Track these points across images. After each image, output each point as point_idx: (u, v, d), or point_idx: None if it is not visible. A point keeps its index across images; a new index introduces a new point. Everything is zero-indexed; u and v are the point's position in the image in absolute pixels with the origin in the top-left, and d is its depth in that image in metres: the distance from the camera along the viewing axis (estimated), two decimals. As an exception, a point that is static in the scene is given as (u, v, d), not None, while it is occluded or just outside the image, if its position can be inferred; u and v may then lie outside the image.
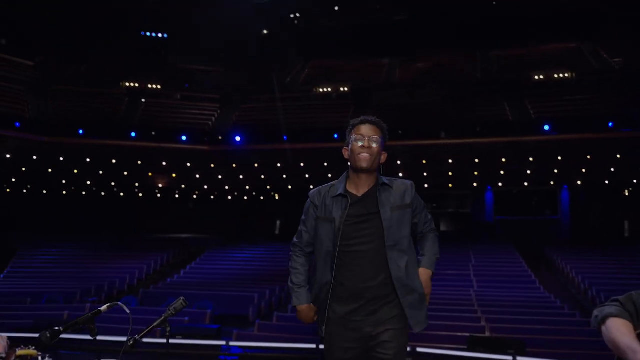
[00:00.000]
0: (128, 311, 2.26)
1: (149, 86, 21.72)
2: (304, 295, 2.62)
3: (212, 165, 19.38)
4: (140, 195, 24.23)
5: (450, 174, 19.79)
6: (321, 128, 17.82)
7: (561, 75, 19.76)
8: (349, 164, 2.61)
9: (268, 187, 23.41)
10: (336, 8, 24.89)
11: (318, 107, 20.80)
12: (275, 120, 18.89)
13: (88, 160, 18.26)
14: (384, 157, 2.62)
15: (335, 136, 16.55)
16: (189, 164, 19.18)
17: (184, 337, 6.18)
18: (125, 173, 20.36)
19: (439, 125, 17.18)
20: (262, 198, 24.57)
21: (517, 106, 18.66)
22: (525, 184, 21.33)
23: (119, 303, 2.30)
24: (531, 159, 17.54)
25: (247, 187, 23.55)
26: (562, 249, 18.13)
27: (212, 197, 24.69)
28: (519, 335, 8.38)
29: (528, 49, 22.75)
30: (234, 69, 24.07)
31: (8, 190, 23.10)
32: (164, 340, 6.01)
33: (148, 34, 25.30)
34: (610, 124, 15.43)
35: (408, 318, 2.52)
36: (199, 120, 20.52)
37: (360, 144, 2.54)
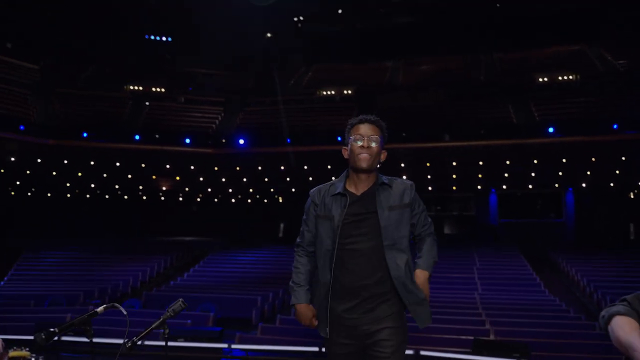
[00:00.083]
0: (125, 312, 2.24)
1: (153, 89, 21.77)
2: (302, 295, 2.62)
3: (216, 168, 19.39)
4: (144, 198, 24.28)
5: (454, 176, 19.74)
6: (324, 131, 17.79)
7: (565, 78, 19.68)
8: (349, 163, 2.61)
9: (271, 190, 23.41)
10: (340, 11, 24.95)
11: (321, 110, 20.79)
12: (279, 123, 18.89)
13: (92, 163, 18.30)
14: (383, 156, 2.62)
15: (339, 139, 16.52)
16: (192, 167, 19.20)
17: (186, 340, 6.16)
18: (129, 176, 20.39)
19: (443, 127, 17.13)
20: (265, 201, 24.58)
21: (521, 108, 18.60)
22: (530, 186, 21.25)
23: (116, 304, 2.27)
24: (535, 162, 17.47)
25: (251, 190, 23.56)
26: (566, 251, 18.04)
27: (215, 200, 24.71)
28: (523, 339, 8.32)
29: (532, 51, 22.71)
30: (238, 72, 24.14)
31: (13, 193, 23.18)
32: (169, 343, 6.02)
33: (152, 37, 25.44)
34: (615, 126, 15.34)
35: (412, 315, 2.56)
36: (202, 123, 20.54)
37: (359, 143, 2.54)
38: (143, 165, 18.87)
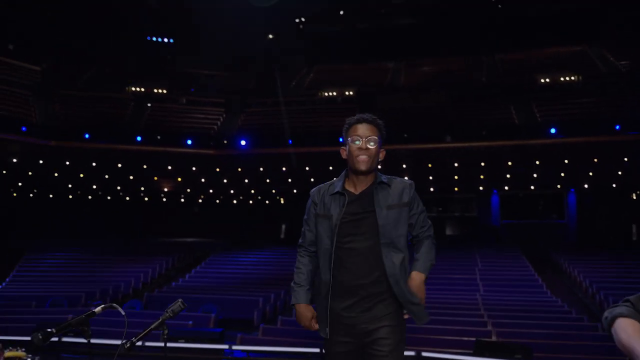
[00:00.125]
0: (123, 313, 2.23)
1: (155, 91, 21.78)
2: (302, 295, 2.62)
3: (218, 170, 19.39)
4: (146, 199, 24.29)
5: (455, 177, 19.71)
6: (326, 132, 17.77)
7: (567, 78, 19.65)
8: (347, 164, 2.61)
9: (273, 191, 23.41)
10: (341, 12, 24.97)
11: (323, 111, 20.78)
12: (280, 124, 18.89)
13: (94, 164, 18.32)
14: (382, 155, 2.61)
15: (340, 140, 16.40)
16: (194, 168, 19.20)
17: (187, 341, 6.15)
18: (131, 177, 20.40)
19: (445, 128, 17.11)
20: (267, 202, 24.58)
21: (523, 109, 18.57)
22: (532, 187, 21.21)
23: (114, 304, 2.26)
24: (537, 162, 17.44)
25: (252, 191, 23.56)
26: (569, 252, 18.00)
27: (217, 201, 24.72)
28: (525, 340, 8.30)
29: (533, 52, 22.70)
30: (240, 73, 24.16)
31: (15, 194, 23.21)
32: (170, 344, 6.00)
33: (154, 38, 25.48)
34: (617, 127, 15.31)
35: (409, 313, 2.55)
36: (204, 124, 20.55)
37: (357, 145, 2.53)
38: (145, 166, 18.88)
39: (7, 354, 2.35)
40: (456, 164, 17.74)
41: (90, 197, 23.83)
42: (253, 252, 20.26)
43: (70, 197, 23.66)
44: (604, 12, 22.08)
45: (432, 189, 21.59)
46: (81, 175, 20.03)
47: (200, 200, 24.82)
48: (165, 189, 23.26)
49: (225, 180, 20.97)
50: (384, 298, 2.51)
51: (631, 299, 1.80)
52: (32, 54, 21.90)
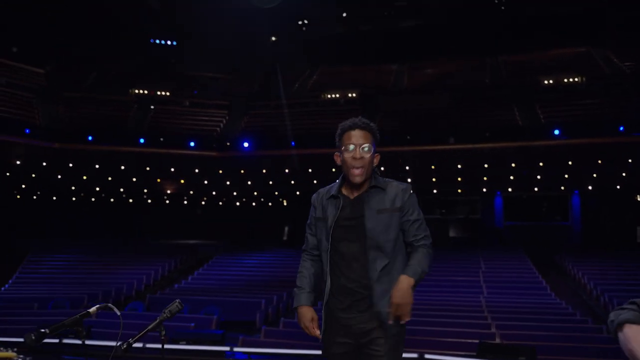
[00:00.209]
0: (119, 313, 2.21)
1: (158, 93, 21.83)
2: (303, 297, 2.61)
3: (220, 171, 19.38)
4: (149, 201, 24.31)
5: (459, 179, 19.65)
6: (329, 134, 17.44)
7: (571, 80, 19.58)
8: (342, 170, 2.59)
9: (276, 193, 23.40)
10: (344, 14, 24.96)
11: (326, 113, 20.76)
12: (283, 126, 18.89)
13: (97, 166, 18.34)
14: (376, 160, 2.59)
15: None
16: (197, 170, 19.20)
17: (188, 343, 6.14)
18: (134, 179, 20.42)
19: (448, 130, 17.08)
20: (270, 204, 24.56)
21: (526, 111, 18.52)
22: (536, 189, 21.14)
23: (110, 305, 2.23)
24: (541, 164, 17.37)
25: (255, 193, 23.55)
26: (573, 254, 17.92)
27: (220, 203, 24.72)
28: (529, 342, 8.24)
29: (537, 53, 22.63)
30: (242, 75, 24.16)
31: (18, 196, 23.27)
32: (170, 345, 5.97)
33: (157, 41, 25.51)
34: (621, 128, 15.23)
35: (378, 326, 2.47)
36: (207, 126, 20.57)
37: (351, 152, 2.51)
38: (148, 168, 18.89)
39: (-2, 354, 2.33)
40: (459, 166, 17.69)
41: (93, 199, 23.87)
42: (256, 254, 20.25)
43: (74, 199, 23.71)
44: (607, 14, 22.00)
45: (435, 191, 21.54)
46: (84, 177, 20.06)
47: (203, 202, 24.83)
48: (168, 191, 23.28)
49: (228, 182, 20.97)
50: None
51: (637, 302, 1.76)
52: (36, 57, 21.95)
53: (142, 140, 17.75)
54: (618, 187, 19.73)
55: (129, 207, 24.23)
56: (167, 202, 24.45)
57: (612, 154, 16.15)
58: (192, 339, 6.38)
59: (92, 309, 2.08)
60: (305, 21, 25.28)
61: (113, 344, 2.15)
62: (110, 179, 20.33)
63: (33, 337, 1.88)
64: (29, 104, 19.22)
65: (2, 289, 15.87)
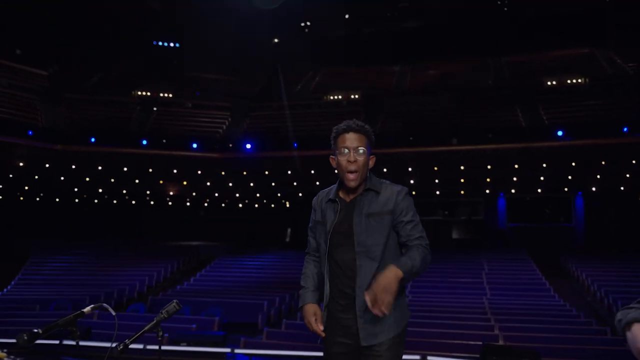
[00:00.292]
0: (113, 313, 2.17)
1: (161, 94, 21.85)
2: (308, 296, 2.60)
3: (223, 173, 19.37)
4: (151, 202, 24.32)
5: (462, 180, 19.60)
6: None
7: (574, 81, 19.51)
8: (338, 173, 2.57)
9: (278, 195, 23.37)
10: (347, 16, 24.96)
11: (328, 115, 20.73)
12: (286, 128, 18.87)
13: (100, 168, 18.36)
14: (372, 162, 2.56)
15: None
16: (199, 172, 19.20)
17: (189, 344, 6.11)
18: (137, 181, 20.44)
19: (451, 131, 17.02)
20: (272, 206, 24.54)
21: (529, 112, 18.46)
22: (539, 190, 21.06)
23: (104, 305, 2.20)
24: (544, 165, 17.31)
25: (258, 195, 23.53)
26: (576, 256, 17.85)
27: (222, 204, 24.71)
28: (533, 344, 8.19)
29: (540, 54, 22.59)
30: (245, 77, 24.18)
31: (21, 198, 23.30)
32: (169, 347, 5.94)
33: (159, 43, 25.56)
34: (625, 129, 15.16)
35: (359, 332, 2.42)
36: (209, 128, 20.56)
37: (345, 156, 2.49)
38: (150, 170, 18.89)
39: (-13, 354, 2.30)
40: (462, 167, 17.63)
41: (95, 200, 23.89)
42: (258, 255, 20.23)
43: (76, 200, 23.74)
44: (610, 15, 21.96)
45: (438, 192, 21.49)
46: (87, 179, 20.08)
47: (205, 204, 24.83)
48: (171, 193, 23.28)
49: (230, 184, 20.96)
50: None
51: None
52: (39, 59, 22.00)
53: (144, 142, 17.75)
54: (622, 188, 19.65)
55: (131, 208, 24.24)
56: (170, 203, 24.46)
57: (615, 155, 16.07)
58: (194, 341, 6.35)
59: (87, 309, 2.05)
60: (308, 23, 25.30)
61: (106, 344, 2.11)
62: (112, 180, 20.34)
63: (25, 338, 1.85)
64: (32, 105, 19.24)
65: (5, 290, 15.88)
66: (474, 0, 22.61)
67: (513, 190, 21.45)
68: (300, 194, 21.88)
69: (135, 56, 23.55)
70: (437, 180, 19.72)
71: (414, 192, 18.72)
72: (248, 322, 11.92)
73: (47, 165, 18.01)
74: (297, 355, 5.98)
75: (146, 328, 2.17)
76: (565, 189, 21.06)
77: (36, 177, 19.48)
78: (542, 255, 18.20)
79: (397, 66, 24.36)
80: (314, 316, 2.54)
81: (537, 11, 22.86)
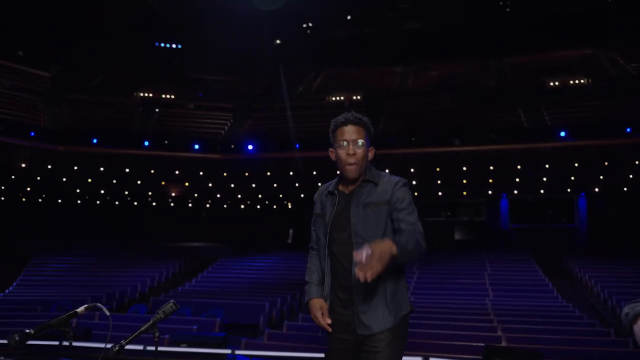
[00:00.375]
0: (108, 313, 2.15)
1: (163, 96, 21.88)
2: (313, 290, 2.60)
3: (225, 174, 19.37)
4: (154, 204, 24.32)
5: (464, 181, 19.56)
6: (333, 136, 17.65)
7: (577, 82, 19.48)
8: (337, 167, 2.57)
9: (280, 196, 23.35)
10: (348, 17, 24.93)
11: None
12: (288, 129, 18.86)
13: (102, 169, 18.37)
14: (371, 154, 2.56)
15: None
16: (201, 173, 19.20)
17: (189, 345, 6.08)
18: (139, 182, 20.44)
19: (453, 132, 16.99)
20: (274, 207, 24.52)
21: (532, 113, 18.42)
22: (541, 191, 20.99)
23: (98, 305, 2.18)
24: (547, 166, 17.26)
25: (260, 196, 23.51)
26: (579, 257, 17.79)
27: (224, 205, 24.70)
28: (536, 346, 8.15)
29: (542, 55, 22.55)
30: (247, 78, 24.17)
31: (23, 199, 23.32)
32: (169, 348, 5.91)
33: (162, 44, 25.58)
34: (628, 130, 15.11)
35: (355, 324, 2.42)
36: (211, 129, 20.57)
37: (344, 148, 2.49)
38: (152, 171, 18.90)
39: (-24, 354, 2.28)
40: (465, 168, 17.59)
41: (97, 201, 23.90)
42: (260, 256, 20.21)
43: (78, 201, 23.75)
44: (613, 15, 21.88)
45: (440, 193, 21.44)
46: (89, 180, 20.09)
47: (207, 205, 24.82)
48: (173, 194, 23.28)
49: (232, 185, 20.95)
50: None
51: None
52: (41, 60, 22.04)
53: (146, 143, 17.76)
54: (625, 189, 19.59)
55: (133, 209, 24.25)
56: (172, 204, 24.45)
57: (618, 156, 16.03)
58: (194, 342, 6.33)
59: (80, 309, 2.03)
60: (310, 24, 25.27)
61: (109, 345, 2.09)
62: (114, 181, 20.35)
63: (17, 338, 1.83)
64: (34, 106, 19.27)
65: (7, 291, 15.89)
66: (475, 1, 22.55)
67: (515, 191, 21.39)
68: (302, 195, 21.85)
69: (137, 57, 23.57)
70: (439, 181, 19.68)
71: (416, 193, 18.69)
72: (249, 324, 11.90)
73: (49, 166, 18.02)
74: (298, 357, 5.96)
75: (142, 329, 2.15)
76: (568, 190, 21.00)
77: (38, 178, 19.50)
78: (544, 256, 18.15)
79: (399, 67, 24.35)
80: (320, 311, 2.52)
81: (539, 12, 22.79)
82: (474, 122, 18.16)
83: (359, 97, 21.30)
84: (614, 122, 15.86)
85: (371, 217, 2.44)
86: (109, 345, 2.07)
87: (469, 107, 19.20)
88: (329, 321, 2.50)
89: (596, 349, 8.45)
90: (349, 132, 2.50)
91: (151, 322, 2.18)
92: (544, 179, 18.78)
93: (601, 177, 18.29)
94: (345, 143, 2.49)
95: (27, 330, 1.89)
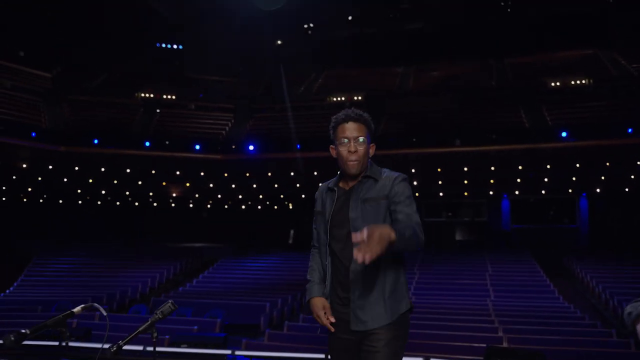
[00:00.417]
0: (105, 313, 2.14)
1: (164, 96, 21.89)
2: (314, 289, 2.58)
3: (226, 175, 19.36)
4: (155, 204, 24.32)
5: (465, 182, 19.54)
6: (334, 137, 17.64)
7: (578, 82, 19.45)
8: (338, 163, 2.56)
9: (281, 196, 23.35)
10: (349, 18, 24.92)
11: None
12: (289, 129, 18.86)
13: (103, 169, 18.38)
14: (372, 150, 2.55)
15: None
16: (202, 173, 19.20)
17: (189, 346, 6.07)
18: (140, 182, 20.44)
19: (454, 132, 16.98)
20: (275, 207, 24.51)
21: (533, 113, 18.40)
22: (543, 191, 20.97)
23: (95, 304, 2.17)
24: (548, 167, 17.24)
25: (261, 197, 23.51)
26: (581, 257, 17.75)
27: (225, 206, 24.69)
28: (538, 346, 8.12)
29: (543, 56, 22.53)
30: (248, 78, 24.17)
31: (25, 199, 23.33)
32: (168, 349, 5.90)
33: (163, 45, 25.60)
34: (630, 130, 15.09)
35: (350, 319, 2.41)
36: (212, 129, 20.57)
37: (346, 146, 2.48)
38: (153, 171, 18.90)
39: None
40: (466, 169, 17.57)
41: (99, 202, 23.91)
42: (261, 257, 20.19)
43: (79, 202, 23.76)
44: (614, 16, 21.86)
45: (441, 194, 21.41)
46: (90, 181, 20.10)
47: (208, 206, 24.82)
48: (174, 194, 23.28)
49: (233, 186, 20.95)
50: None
51: None
52: (43, 61, 22.07)
53: (147, 144, 17.77)
54: (626, 189, 19.55)
55: (134, 210, 24.25)
56: (173, 205, 24.45)
57: (620, 156, 16.00)
58: (194, 342, 6.31)
59: (77, 309, 2.01)
60: (311, 25, 25.28)
61: (106, 346, 2.07)
62: (115, 182, 20.36)
63: (12, 339, 1.81)
64: (35, 107, 19.29)
65: (7, 291, 15.89)
66: (476, 1, 22.54)
67: (517, 192, 21.36)
68: (303, 196, 21.84)
69: (138, 58, 23.58)
70: (440, 182, 19.66)
71: (417, 194, 18.66)
72: (250, 324, 11.87)
73: (50, 167, 18.04)
74: (298, 357, 5.94)
75: (140, 329, 2.13)
76: (570, 190, 20.97)
77: (39, 178, 19.52)
78: (546, 256, 18.11)
79: (400, 68, 24.34)
80: (323, 310, 2.50)
81: (540, 12, 22.78)
82: (475, 122, 18.14)
83: (359, 98, 21.28)
84: (616, 123, 15.84)
85: (369, 212, 2.43)
86: (106, 346, 2.05)
87: (470, 107, 19.19)
88: (333, 320, 2.47)
89: (598, 349, 8.42)
90: (350, 129, 2.49)
91: (149, 322, 2.16)
92: (545, 179, 18.76)
93: (602, 178, 18.26)
94: (346, 140, 2.48)
95: (23, 331, 1.88)
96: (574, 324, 10.65)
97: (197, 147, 17.91)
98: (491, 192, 21.50)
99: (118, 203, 24.13)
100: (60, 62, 22.93)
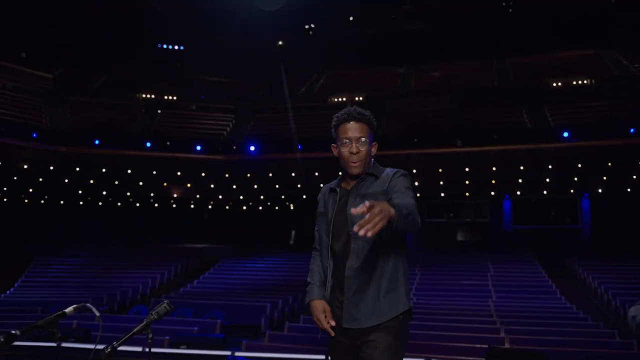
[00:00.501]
0: (97, 314, 2.11)
1: (165, 97, 21.89)
2: (314, 292, 2.55)
3: (227, 175, 19.34)
4: (156, 205, 24.32)
5: (467, 182, 19.49)
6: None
7: (580, 82, 19.40)
8: (339, 163, 2.53)
9: (282, 197, 23.32)
10: (351, 18, 24.93)
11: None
12: (290, 130, 18.84)
13: (104, 170, 18.37)
14: (374, 150, 2.53)
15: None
16: (203, 174, 19.18)
17: (189, 347, 6.04)
18: (141, 183, 20.44)
19: (455, 133, 16.94)
20: (276, 208, 24.49)
21: (535, 113, 18.36)
22: (545, 192, 20.91)
23: (87, 304, 2.14)
24: (550, 167, 17.18)
25: (262, 197, 23.49)
26: (583, 258, 17.70)
27: (226, 207, 24.68)
28: (540, 347, 8.08)
29: (545, 56, 22.51)
30: (249, 79, 24.19)
31: (26, 200, 23.34)
32: (167, 349, 5.87)
33: (164, 46, 25.62)
34: (632, 130, 15.03)
35: (343, 316, 2.38)
36: (213, 130, 20.56)
37: (348, 147, 2.44)
38: (154, 172, 18.89)
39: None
40: (467, 169, 17.53)
41: (100, 202, 23.91)
42: (262, 258, 20.17)
43: (80, 203, 23.76)
44: (616, 16, 21.83)
45: (442, 195, 21.37)
46: (91, 181, 20.10)
47: (209, 206, 24.81)
48: (175, 195, 23.27)
49: (234, 186, 20.93)
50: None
51: None
52: (44, 62, 22.09)
53: (148, 144, 17.76)
54: (628, 189, 19.49)
55: (135, 210, 24.25)
56: (174, 205, 24.45)
57: (622, 157, 15.95)
58: (194, 343, 6.28)
59: (69, 309, 1.99)
60: (312, 25, 25.29)
61: (101, 347, 2.04)
62: (116, 182, 20.36)
63: (2, 340, 1.79)
64: (36, 108, 19.29)
65: (8, 292, 15.88)
66: (478, 2, 22.52)
67: (518, 192, 21.31)
68: (304, 196, 21.82)
69: (138, 59, 23.60)
70: (441, 182, 19.61)
71: (418, 194, 18.61)
72: (251, 325, 11.84)
73: (51, 168, 18.03)
74: (299, 359, 5.90)
75: (136, 330, 2.10)
76: (571, 191, 20.92)
77: (40, 179, 19.52)
78: (547, 257, 18.06)
79: (401, 68, 24.32)
80: (323, 313, 2.46)
81: (542, 12, 22.76)
82: (476, 122, 18.11)
83: (361, 98, 21.24)
84: (617, 123, 15.79)
85: None
86: (101, 347, 2.02)
87: (471, 107, 19.14)
88: (333, 323, 2.43)
89: (600, 350, 8.37)
90: (352, 129, 2.46)
91: (144, 323, 2.13)
92: (547, 179, 18.71)
93: (604, 178, 18.20)
94: (347, 141, 2.45)
95: (13, 332, 1.85)
96: (576, 324, 10.60)
97: (198, 147, 17.90)
98: (493, 193, 21.46)
99: (119, 204, 24.13)
100: (62, 64, 22.95)
